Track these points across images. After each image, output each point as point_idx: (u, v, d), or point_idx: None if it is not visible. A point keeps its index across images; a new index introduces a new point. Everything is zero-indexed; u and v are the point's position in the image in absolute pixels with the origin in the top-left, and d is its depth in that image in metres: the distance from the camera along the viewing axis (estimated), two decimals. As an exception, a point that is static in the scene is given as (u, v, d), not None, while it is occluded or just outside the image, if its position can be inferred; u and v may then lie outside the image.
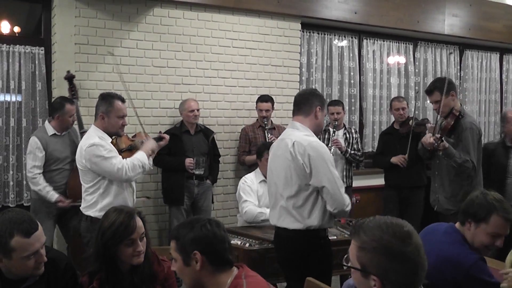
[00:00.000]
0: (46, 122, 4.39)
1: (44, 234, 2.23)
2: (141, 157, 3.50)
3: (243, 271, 2.04)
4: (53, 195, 4.20)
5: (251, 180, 4.30)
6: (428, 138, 3.95)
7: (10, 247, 2.09)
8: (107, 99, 3.57)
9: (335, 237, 3.86)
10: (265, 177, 4.43)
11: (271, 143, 4.82)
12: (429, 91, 4.20)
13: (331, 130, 5.26)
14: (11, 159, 4.80)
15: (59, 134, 4.32)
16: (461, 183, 4.06)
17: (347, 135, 5.33)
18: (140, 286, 2.41)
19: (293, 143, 3.00)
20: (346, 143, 5.25)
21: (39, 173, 4.20)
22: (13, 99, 4.82)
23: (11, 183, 4.83)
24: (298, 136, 3.03)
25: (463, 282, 2.30)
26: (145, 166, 3.51)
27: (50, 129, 4.30)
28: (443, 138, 3.92)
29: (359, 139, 5.42)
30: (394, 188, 5.16)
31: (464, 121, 4.06)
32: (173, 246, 2.06)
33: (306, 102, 3.14)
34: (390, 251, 1.57)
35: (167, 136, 4.02)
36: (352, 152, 5.23)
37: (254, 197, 4.32)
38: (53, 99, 4.68)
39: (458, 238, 2.44)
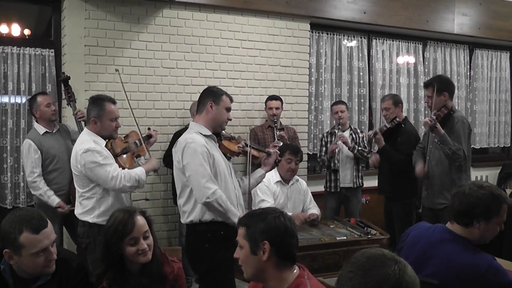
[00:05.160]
0: (35, 123, 4.33)
1: None
2: (140, 172, 3.42)
3: (305, 272, 2.05)
4: (54, 200, 4.15)
5: (268, 180, 4.27)
6: (426, 119, 4.11)
7: (19, 243, 2.12)
8: (98, 102, 3.46)
9: (344, 238, 3.81)
10: (282, 177, 4.44)
11: (291, 144, 4.83)
12: (426, 85, 4.41)
13: (337, 131, 5.26)
14: (21, 160, 4.81)
15: (50, 131, 4.28)
16: (451, 176, 4.20)
17: (354, 135, 5.33)
18: (150, 287, 2.42)
19: (176, 144, 3.12)
20: (353, 143, 5.24)
21: (39, 176, 4.15)
22: (24, 101, 4.85)
23: (22, 184, 4.86)
24: (183, 136, 3.11)
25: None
26: (141, 181, 3.42)
27: (40, 128, 4.25)
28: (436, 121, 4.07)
29: (365, 138, 5.40)
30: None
31: (456, 115, 4.25)
32: (241, 232, 2.06)
33: (200, 102, 3.22)
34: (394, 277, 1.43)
35: (155, 134, 3.93)
36: (360, 148, 5.22)
37: (271, 197, 4.31)
38: (63, 100, 4.70)
39: (466, 244, 2.40)
